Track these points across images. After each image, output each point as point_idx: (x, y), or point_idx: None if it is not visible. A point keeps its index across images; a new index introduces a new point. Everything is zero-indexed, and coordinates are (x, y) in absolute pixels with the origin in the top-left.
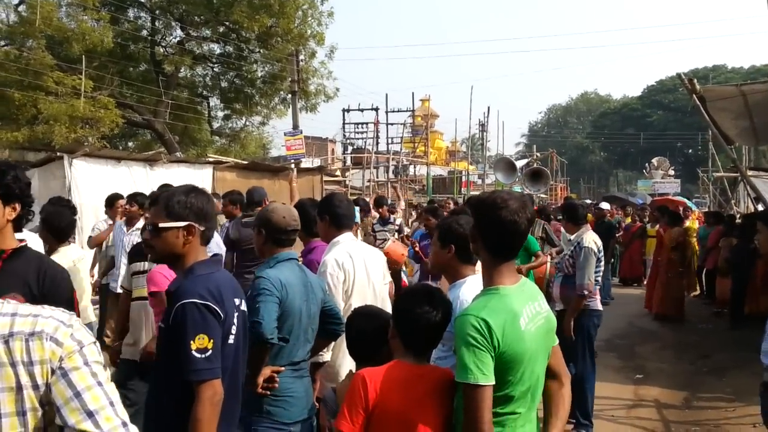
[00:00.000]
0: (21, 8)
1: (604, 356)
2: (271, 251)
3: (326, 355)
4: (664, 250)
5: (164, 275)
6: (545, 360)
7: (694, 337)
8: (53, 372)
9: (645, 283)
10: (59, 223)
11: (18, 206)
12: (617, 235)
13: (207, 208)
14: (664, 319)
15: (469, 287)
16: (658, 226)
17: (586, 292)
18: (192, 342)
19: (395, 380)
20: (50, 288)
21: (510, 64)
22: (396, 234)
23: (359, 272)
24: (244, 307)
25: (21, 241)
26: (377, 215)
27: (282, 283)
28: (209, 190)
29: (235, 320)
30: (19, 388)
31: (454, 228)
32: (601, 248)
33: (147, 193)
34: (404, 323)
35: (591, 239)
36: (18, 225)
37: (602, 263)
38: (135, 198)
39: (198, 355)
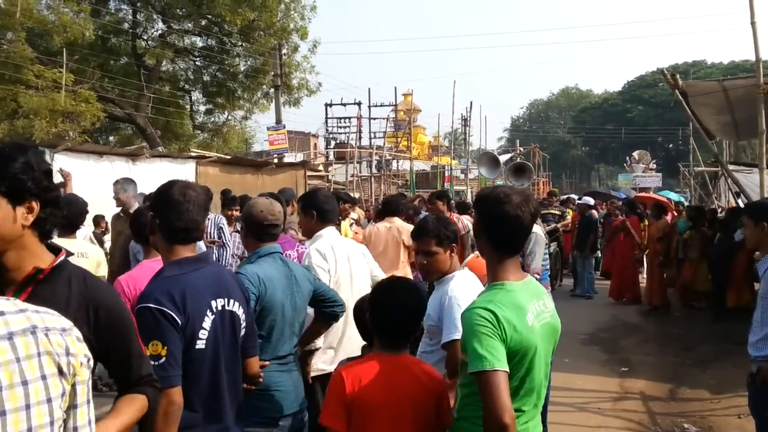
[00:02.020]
0: None
1: (589, 349)
2: (254, 245)
3: (318, 342)
4: (650, 242)
5: (124, 285)
6: (549, 358)
7: (677, 330)
8: (81, 365)
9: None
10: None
11: (36, 205)
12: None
13: (165, 200)
14: (650, 309)
15: (457, 282)
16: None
17: (538, 276)
18: (145, 348)
19: (370, 373)
20: (108, 324)
21: (493, 59)
22: None
23: (341, 265)
24: (232, 306)
25: (58, 252)
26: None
27: (260, 279)
28: None
29: (208, 323)
30: (61, 373)
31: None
32: (546, 238)
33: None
34: (375, 316)
35: (537, 227)
36: (44, 231)
37: (548, 253)
38: None
39: (151, 363)
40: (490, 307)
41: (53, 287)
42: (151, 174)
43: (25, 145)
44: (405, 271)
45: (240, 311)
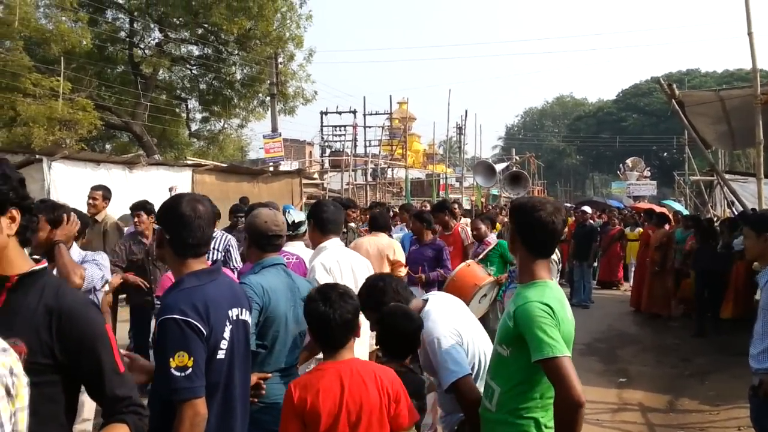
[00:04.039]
0: None
1: (586, 360)
2: (257, 256)
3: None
4: (649, 251)
5: (172, 280)
6: None
7: (674, 340)
8: (24, 386)
9: (631, 283)
10: None
11: (16, 214)
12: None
13: (176, 216)
14: (651, 318)
15: (429, 323)
16: (639, 229)
17: None
18: (171, 360)
19: (316, 383)
20: (71, 331)
21: (488, 67)
22: None
23: (346, 279)
24: (245, 316)
25: (38, 261)
26: None
27: (264, 289)
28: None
29: (227, 333)
30: (9, 395)
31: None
32: (560, 257)
33: (127, 196)
34: (311, 324)
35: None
36: (23, 238)
37: (558, 272)
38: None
39: (177, 374)
40: (545, 300)
41: (25, 296)
42: (148, 182)
43: None
44: None
45: (250, 321)
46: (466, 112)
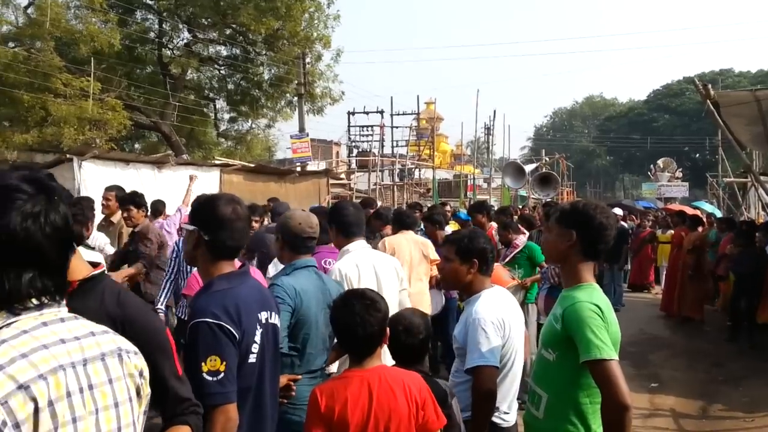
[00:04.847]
0: (30, 10)
1: None
2: (289, 258)
3: (332, 367)
4: (682, 254)
5: (199, 280)
6: None
7: (706, 345)
8: (148, 395)
9: (662, 286)
10: None
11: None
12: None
13: (216, 217)
14: (683, 321)
15: (483, 302)
16: (671, 231)
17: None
18: (203, 364)
19: (344, 390)
20: (133, 340)
21: (516, 67)
22: None
23: (366, 282)
24: (274, 319)
25: (95, 266)
26: None
27: (296, 291)
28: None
29: (258, 337)
30: (138, 395)
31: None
32: None
33: (155, 195)
34: (340, 331)
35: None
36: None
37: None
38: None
39: (209, 378)
40: (595, 302)
41: (85, 301)
42: (176, 181)
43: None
44: (423, 282)
45: (278, 324)
46: (495, 112)
